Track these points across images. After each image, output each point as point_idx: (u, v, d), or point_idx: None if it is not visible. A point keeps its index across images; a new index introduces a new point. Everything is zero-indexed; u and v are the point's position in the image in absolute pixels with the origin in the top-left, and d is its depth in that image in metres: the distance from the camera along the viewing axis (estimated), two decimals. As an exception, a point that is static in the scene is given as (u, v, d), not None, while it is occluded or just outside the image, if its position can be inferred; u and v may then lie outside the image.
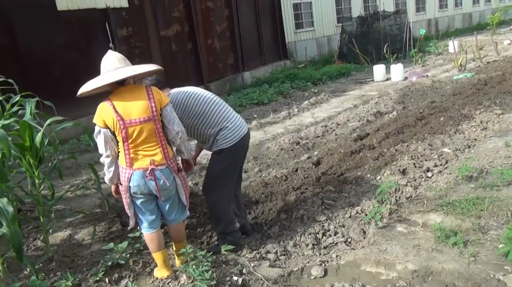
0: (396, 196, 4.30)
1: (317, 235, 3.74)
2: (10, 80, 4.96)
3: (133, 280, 3.31)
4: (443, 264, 3.07)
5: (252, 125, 8.07)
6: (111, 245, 3.62)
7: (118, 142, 3.02)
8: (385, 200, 4.03)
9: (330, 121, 7.76)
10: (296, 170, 5.30)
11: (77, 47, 9.24)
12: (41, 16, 8.55)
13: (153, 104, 2.97)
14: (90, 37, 9.47)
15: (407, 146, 5.65)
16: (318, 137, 6.86)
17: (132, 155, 3.00)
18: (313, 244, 3.63)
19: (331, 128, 7.25)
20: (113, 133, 2.98)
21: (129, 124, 2.93)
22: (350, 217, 3.94)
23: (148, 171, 2.99)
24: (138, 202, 3.12)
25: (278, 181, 4.95)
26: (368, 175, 4.86)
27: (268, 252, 3.58)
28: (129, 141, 2.97)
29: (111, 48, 9.59)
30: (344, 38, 16.16)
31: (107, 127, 2.95)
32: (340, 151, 5.74)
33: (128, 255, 3.56)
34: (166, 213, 3.25)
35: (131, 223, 3.19)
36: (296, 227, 3.89)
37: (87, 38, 9.43)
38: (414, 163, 4.93)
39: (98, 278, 3.30)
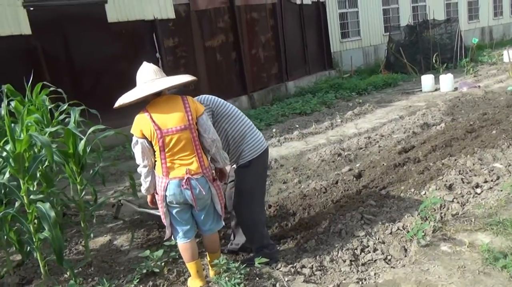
0: (441, 213, 4.09)
1: (355, 251, 3.61)
2: (60, 90, 5.15)
3: (167, 289, 3.32)
4: (490, 288, 2.87)
5: (293, 135, 8.00)
6: (147, 252, 3.65)
7: (155, 152, 3.05)
8: (428, 217, 3.84)
9: (374, 133, 7.54)
10: (336, 183, 5.17)
11: (126, 57, 9.52)
12: (92, 28, 8.92)
13: (189, 113, 3.00)
14: (138, 48, 9.77)
15: (455, 160, 5.38)
16: (361, 148, 6.69)
17: (169, 165, 3.02)
18: (350, 260, 3.50)
19: (374, 139, 7.05)
20: (150, 143, 3.02)
21: (166, 133, 2.96)
22: (390, 233, 3.78)
23: (184, 180, 3.00)
24: (174, 211, 3.13)
25: (317, 193, 4.84)
26: (412, 190, 4.66)
27: (303, 266, 3.48)
28: (166, 150, 3.00)
29: (157, 59, 9.90)
30: (391, 48, 15.78)
31: (144, 137, 3.00)
32: (383, 164, 5.56)
33: (163, 264, 3.58)
34: (201, 223, 3.24)
35: (167, 233, 3.21)
36: (333, 241, 3.77)
37: (135, 48, 9.73)
38: (462, 178, 4.68)
39: (133, 285, 3.33)
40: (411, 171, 5.24)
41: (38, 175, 3.75)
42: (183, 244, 3.21)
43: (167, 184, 3.04)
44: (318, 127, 8.44)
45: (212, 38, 11.33)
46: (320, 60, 16.49)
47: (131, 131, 3.05)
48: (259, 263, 3.30)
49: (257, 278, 3.25)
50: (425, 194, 4.53)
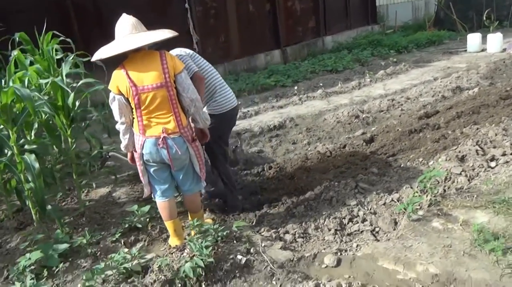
0: (445, 186, 3.82)
1: (343, 220, 3.47)
2: (68, 39, 5.13)
3: (148, 244, 3.36)
4: (471, 272, 2.67)
5: (317, 94, 7.74)
6: (135, 207, 3.68)
7: (132, 109, 2.99)
8: (427, 190, 3.60)
9: (400, 95, 7.15)
10: (344, 147, 4.97)
11: (154, 8, 9.40)
12: (120, -25, 8.79)
13: (166, 70, 2.88)
14: (166, -1, 9.59)
15: (477, 129, 5.00)
16: (382, 111, 6.37)
17: (145, 122, 2.96)
18: (335, 229, 3.38)
19: (398, 102, 6.68)
20: (127, 100, 2.95)
21: (142, 90, 2.88)
22: (384, 204, 3.60)
23: (160, 139, 2.94)
24: (151, 170, 3.10)
25: (320, 157, 4.68)
26: (420, 159, 4.40)
27: (286, 232, 3.41)
28: (142, 108, 2.93)
29: (186, 9, 9.68)
30: (440, 2, 14.67)
31: (121, 93, 2.93)
32: (398, 129, 5.27)
33: (147, 219, 3.61)
34: (180, 183, 3.20)
35: (145, 191, 3.20)
36: (322, 209, 3.65)
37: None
38: (477, 150, 4.34)
39: (114, 239, 3.39)
40: (426, 138, 4.93)
41: (35, 125, 3.82)
42: (161, 202, 3.20)
43: (144, 142, 2.99)
44: (344, 87, 8.10)
45: (244, -12, 10.95)
46: (363, 14, 15.66)
47: (109, 87, 2.99)
48: (236, 227, 3.25)
49: (235, 241, 3.21)
50: (432, 164, 4.26)
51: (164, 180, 3.15)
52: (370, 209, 3.59)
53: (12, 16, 7.46)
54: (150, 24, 8.67)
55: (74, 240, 3.29)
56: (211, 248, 2.87)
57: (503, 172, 3.96)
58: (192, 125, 3.17)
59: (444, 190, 3.78)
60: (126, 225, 3.48)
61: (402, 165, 4.33)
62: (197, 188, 3.26)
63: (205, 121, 3.14)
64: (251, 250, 3.09)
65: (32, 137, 3.82)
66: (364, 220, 3.46)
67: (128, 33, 2.92)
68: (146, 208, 3.64)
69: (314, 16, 13.19)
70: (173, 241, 3.25)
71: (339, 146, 4.99)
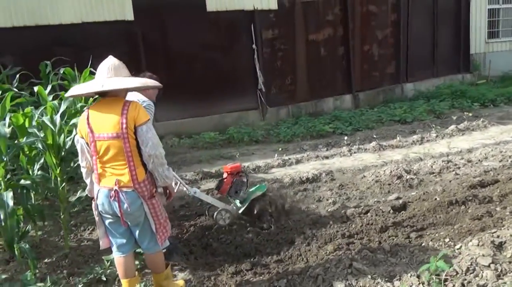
0: (465, 280, 3.12)
1: (323, 306, 2.96)
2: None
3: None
4: None
5: (369, 146, 7.14)
6: (111, 256, 3.50)
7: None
8: (431, 283, 2.95)
9: (463, 156, 6.28)
10: (367, 212, 4.39)
11: (220, 47, 9.57)
12: (190, 16, 9.11)
13: (123, 121, 2.70)
14: (234, 38, 9.71)
15: (535, 209, 4.13)
16: (433, 173, 5.61)
17: (99, 171, 2.81)
18: (310, 317, 2.88)
19: (456, 164, 5.86)
20: (88, 145, 2.84)
21: (98, 138, 2.75)
22: (377, 294, 3.01)
23: (113, 191, 2.75)
24: (107, 222, 2.92)
25: (332, 221, 4.17)
26: (447, 240, 3.68)
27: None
28: (97, 156, 2.79)
29: (254, 50, 9.71)
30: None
31: (83, 137, 2.83)
32: (435, 199, 4.55)
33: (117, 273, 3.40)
34: (138, 239, 2.98)
35: (101, 243, 3.01)
36: (306, 287, 3.16)
37: (232, 38, 9.69)
38: (522, 237, 3.53)
39: (78, 288, 3.24)
40: (467, 213, 4.18)
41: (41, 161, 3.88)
42: (116, 258, 2.99)
43: (98, 192, 2.83)
44: (403, 140, 7.39)
45: (317, 31, 10.72)
46: (453, 62, 14.54)
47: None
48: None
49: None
50: (459, 248, 3.53)
51: (121, 235, 2.94)
52: (359, 297, 3.02)
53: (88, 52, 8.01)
54: (216, 62, 9.10)
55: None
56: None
57: (547, 271, 3.14)
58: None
59: (463, 285, 3.08)
60: (91, 276, 3.30)
61: (422, 244, 3.66)
62: (155, 248, 3.00)
63: (165, 179, 2.89)
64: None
65: (36, 173, 3.87)
66: (346, 310, 2.91)
67: (105, 76, 2.81)
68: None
69: (394, 61, 12.51)
70: None
71: (360, 211, 4.42)
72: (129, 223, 2.86)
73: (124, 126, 2.70)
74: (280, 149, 7.34)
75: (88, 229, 4.33)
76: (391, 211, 4.39)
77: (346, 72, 11.38)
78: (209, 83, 9.40)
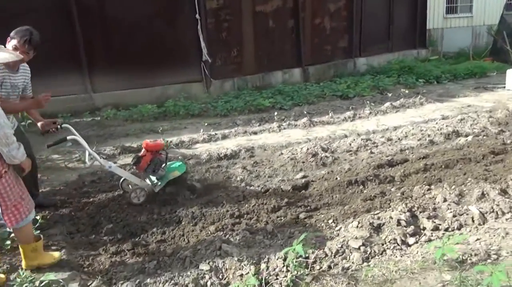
0: (332, 262, 3.12)
1: (183, 289, 2.92)
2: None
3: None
4: None
5: (300, 122, 7.10)
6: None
7: None
8: (295, 263, 2.95)
9: (385, 134, 6.31)
10: (266, 191, 4.37)
11: (162, 17, 9.25)
12: (128, -17, 8.72)
13: None
14: (177, 7, 9.38)
15: (428, 189, 4.17)
16: (349, 151, 5.61)
17: None
18: (168, 300, 2.85)
19: (374, 143, 5.88)
20: None
21: None
22: (240, 276, 2.99)
23: None
24: None
25: (226, 201, 4.12)
26: (330, 221, 3.69)
27: (117, 292, 2.93)
28: None
29: (197, 20, 9.42)
30: (493, 30, 13.24)
31: None
32: (336, 178, 4.55)
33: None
34: None
35: None
36: (173, 269, 3.11)
37: (174, 7, 9.36)
38: (399, 219, 3.55)
39: None
40: (361, 194, 4.20)
41: None
42: None
43: None
44: (335, 117, 7.37)
45: (265, 2, 10.47)
46: (410, 37, 14.57)
47: None
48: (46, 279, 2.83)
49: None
50: (339, 230, 3.55)
51: None
52: (222, 278, 3.00)
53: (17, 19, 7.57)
54: (157, 33, 8.71)
55: None
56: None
57: (415, 254, 3.20)
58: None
59: (329, 267, 3.09)
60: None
61: (306, 225, 3.66)
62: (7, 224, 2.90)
63: (12, 159, 2.76)
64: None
65: None
66: (206, 293, 2.89)
67: None
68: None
69: (347, 35, 12.41)
70: None
71: (262, 190, 4.39)
72: None
73: None
74: (207, 124, 7.21)
75: None
76: (291, 190, 4.37)
77: (295, 45, 11.22)
78: (150, 54, 9.12)
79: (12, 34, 3.59)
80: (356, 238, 3.33)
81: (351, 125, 7.05)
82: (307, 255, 3.14)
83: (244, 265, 3.05)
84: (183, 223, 3.81)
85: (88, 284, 3.06)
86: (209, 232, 3.57)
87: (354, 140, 5.90)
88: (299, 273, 2.93)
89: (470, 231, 3.49)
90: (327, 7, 11.72)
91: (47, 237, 3.65)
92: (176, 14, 9.37)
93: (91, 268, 3.28)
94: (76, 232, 3.84)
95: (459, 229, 3.52)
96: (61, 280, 2.97)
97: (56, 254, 3.28)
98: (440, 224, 3.55)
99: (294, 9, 10.98)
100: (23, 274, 2.92)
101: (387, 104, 8.03)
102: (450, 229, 3.52)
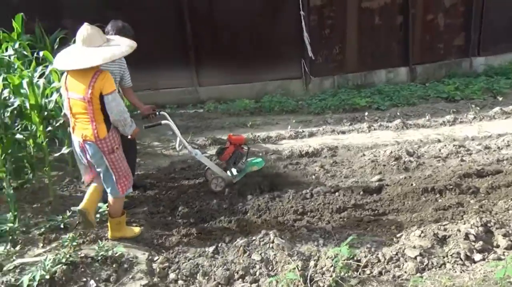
0: (384, 268, 3.07)
1: (235, 274, 3.12)
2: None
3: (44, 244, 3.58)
4: None
5: (392, 124, 6.85)
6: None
7: None
8: (340, 264, 2.96)
9: (483, 142, 5.81)
10: (336, 191, 4.37)
11: (266, 14, 9.53)
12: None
13: (90, 89, 3.16)
14: (281, 5, 9.59)
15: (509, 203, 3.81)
16: (438, 158, 5.29)
17: (72, 124, 3.36)
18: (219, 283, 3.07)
19: (468, 150, 5.46)
20: None
21: (69, 96, 3.28)
22: (287, 270, 3.09)
23: (80, 143, 3.31)
24: (84, 161, 3.49)
25: (292, 197, 4.23)
26: (393, 227, 3.59)
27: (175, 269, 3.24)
28: (70, 111, 3.32)
29: (301, 17, 9.54)
30: None
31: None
32: (412, 184, 4.36)
33: (78, 222, 3.83)
34: (103, 182, 3.49)
35: (83, 179, 3.90)
36: (228, 256, 3.33)
37: (278, 5, 9.58)
38: (477, 233, 3.31)
39: (40, 232, 3.73)
40: (435, 202, 3.99)
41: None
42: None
43: (73, 140, 3.44)
44: (433, 120, 6.96)
45: (372, -1, 10.17)
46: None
47: None
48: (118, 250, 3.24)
49: (115, 264, 3.21)
50: (399, 237, 3.44)
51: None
52: (272, 271, 3.13)
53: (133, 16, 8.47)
54: (260, 30, 9.40)
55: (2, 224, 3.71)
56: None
57: (477, 271, 3.01)
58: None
59: (380, 273, 3.06)
60: (52, 223, 3.76)
61: (368, 228, 3.62)
62: (113, 193, 3.47)
63: (126, 133, 3.42)
64: (112, 279, 3.06)
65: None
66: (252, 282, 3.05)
67: (79, 47, 3.24)
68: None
69: (464, 33, 11.47)
70: None
71: (332, 189, 4.39)
72: (94, 167, 3.40)
73: (90, 92, 3.16)
74: (295, 121, 7.29)
75: (73, 183, 4.85)
76: (361, 192, 4.31)
77: (403, 43, 10.69)
78: (253, 50, 9.47)
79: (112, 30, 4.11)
80: (415, 247, 3.21)
81: (449, 129, 6.60)
82: (359, 258, 3.13)
83: (294, 260, 3.15)
84: (248, 214, 4.02)
85: (155, 259, 3.42)
86: (270, 225, 3.72)
87: (445, 145, 5.55)
88: (345, 274, 2.94)
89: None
90: (442, 3, 10.94)
91: (131, 214, 4.13)
92: (279, 11, 9.57)
93: (161, 246, 3.65)
94: (156, 213, 4.26)
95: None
96: (130, 253, 3.36)
97: (137, 229, 3.75)
98: (516, 243, 3.26)
99: (404, 5, 10.46)
100: (102, 244, 3.37)
101: (496, 109, 7.33)
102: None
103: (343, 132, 6.70)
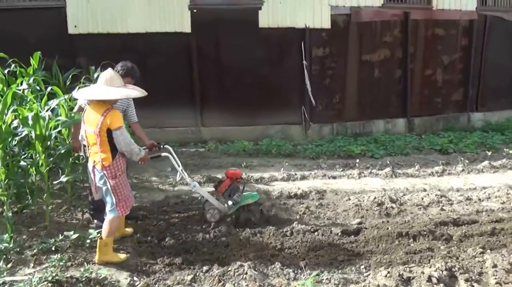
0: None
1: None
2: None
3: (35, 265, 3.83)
4: None
5: (382, 172, 7.10)
6: (71, 233, 4.21)
7: None
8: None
9: (466, 193, 6.02)
10: (315, 231, 4.59)
11: (271, 61, 10.06)
12: (244, 31, 9.72)
13: (99, 124, 3.68)
14: (284, 54, 10.11)
15: (482, 253, 4.00)
16: (419, 206, 5.52)
17: (88, 151, 3.91)
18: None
19: (449, 200, 5.68)
20: None
21: (85, 128, 3.86)
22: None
23: (91, 167, 3.82)
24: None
25: (273, 234, 4.46)
26: (362, 268, 3.80)
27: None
28: (86, 140, 3.89)
29: (303, 66, 10.04)
30: None
31: None
32: (388, 228, 4.57)
33: (68, 245, 4.10)
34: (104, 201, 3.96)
35: (94, 196, 4.19)
36: (204, 285, 3.55)
37: (281, 54, 10.11)
38: (440, 276, 3.50)
39: (32, 253, 3.98)
40: (406, 246, 4.19)
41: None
42: None
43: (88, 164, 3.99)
44: (422, 170, 7.21)
45: (372, 52, 10.64)
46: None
47: None
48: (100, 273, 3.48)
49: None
50: (367, 276, 3.64)
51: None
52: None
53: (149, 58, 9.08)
54: (264, 76, 9.92)
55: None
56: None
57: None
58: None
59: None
60: (42, 246, 4.03)
61: (339, 267, 3.82)
62: (111, 213, 3.87)
63: (134, 159, 3.98)
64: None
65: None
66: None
67: (100, 85, 3.81)
68: (72, 234, 4.14)
69: (462, 88, 11.87)
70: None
71: (309, 229, 4.62)
72: (98, 189, 3.92)
73: (99, 127, 3.68)
74: (289, 164, 7.59)
75: (70, 211, 5.14)
76: (339, 233, 4.53)
77: (401, 95, 11.11)
78: (256, 96, 9.92)
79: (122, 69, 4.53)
80: (379, 286, 3.41)
81: (437, 180, 6.83)
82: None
83: (264, 290, 3.36)
84: (229, 247, 4.25)
85: (136, 284, 3.64)
86: (248, 259, 3.94)
87: (428, 195, 5.78)
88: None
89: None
90: (440, 59, 11.43)
91: (121, 242, 4.38)
92: (282, 60, 10.10)
93: (144, 272, 3.88)
94: (144, 242, 4.50)
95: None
96: (113, 276, 3.59)
97: (122, 256, 4.03)
98: (475, 290, 3.44)
99: (403, 60, 10.97)
100: (87, 266, 3.61)
101: (485, 163, 7.56)
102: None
103: (334, 177, 6.96)
